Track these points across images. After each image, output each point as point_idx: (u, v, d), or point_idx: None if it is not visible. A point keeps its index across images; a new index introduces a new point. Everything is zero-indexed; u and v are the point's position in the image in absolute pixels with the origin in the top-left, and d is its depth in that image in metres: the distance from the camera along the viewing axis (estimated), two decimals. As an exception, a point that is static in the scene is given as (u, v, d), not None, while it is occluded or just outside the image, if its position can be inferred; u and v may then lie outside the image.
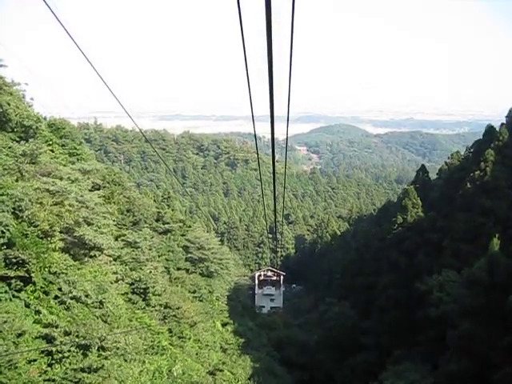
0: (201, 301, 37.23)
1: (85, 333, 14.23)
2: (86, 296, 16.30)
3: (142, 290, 28.69)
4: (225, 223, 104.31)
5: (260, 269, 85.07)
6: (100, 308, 16.84)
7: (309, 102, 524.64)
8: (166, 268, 36.16)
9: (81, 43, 4.11)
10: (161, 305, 29.58)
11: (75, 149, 35.77)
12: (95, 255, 25.35)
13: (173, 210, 50.21)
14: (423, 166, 56.10)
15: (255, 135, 5.57)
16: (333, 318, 43.60)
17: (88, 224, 23.80)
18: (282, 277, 76.02)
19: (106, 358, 14.81)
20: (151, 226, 38.12)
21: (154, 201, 50.79)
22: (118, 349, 15.88)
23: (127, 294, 28.22)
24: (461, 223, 31.64)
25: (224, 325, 39.82)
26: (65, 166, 24.85)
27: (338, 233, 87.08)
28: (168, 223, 40.83)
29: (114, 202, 33.25)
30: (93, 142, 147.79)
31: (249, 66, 3.39)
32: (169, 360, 23.91)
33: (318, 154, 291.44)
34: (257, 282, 76.35)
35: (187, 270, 38.81)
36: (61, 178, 21.72)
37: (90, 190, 27.07)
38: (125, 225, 34.17)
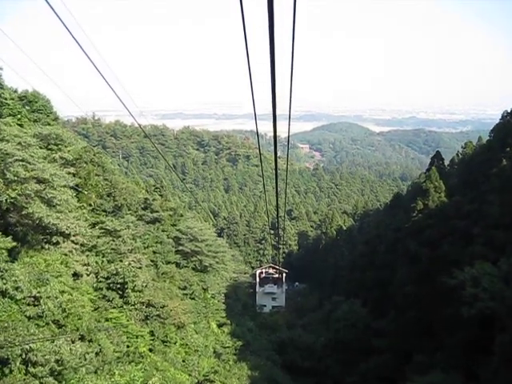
0: (192, 298, 33.00)
1: (3, 340, 9.77)
2: (16, 289, 11.83)
3: (119, 286, 24.44)
4: (225, 219, 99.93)
5: (261, 266, 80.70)
6: (35, 305, 12.35)
7: (311, 100, 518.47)
8: (152, 261, 31.96)
9: (83, 41, 4.27)
10: (142, 303, 25.33)
11: (49, 124, 31.63)
12: (58, 242, 21.04)
13: (165, 200, 45.73)
14: (438, 152, 51.57)
15: (257, 131, 5.42)
16: (341, 317, 40.24)
17: (48, 203, 19.41)
18: (284, 274, 72.05)
19: (34, 376, 10.36)
20: (137, 214, 33.82)
21: (146, 191, 46.44)
22: (60, 362, 11.39)
23: (101, 289, 23.95)
24: (495, 207, 26.98)
25: (220, 325, 35.71)
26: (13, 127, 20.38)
27: (344, 227, 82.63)
28: (157, 211, 36.50)
29: (92, 184, 28.94)
30: (91, 137, 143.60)
31: (251, 64, 3.41)
32: (146, 370, 19.49)
33: (321, 151, 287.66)
34: (258, 279, 72.24)
35: (177, 264, 34.62)
36: (7, 141, 17.26)
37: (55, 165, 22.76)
38: (104, 210, 29.90)
